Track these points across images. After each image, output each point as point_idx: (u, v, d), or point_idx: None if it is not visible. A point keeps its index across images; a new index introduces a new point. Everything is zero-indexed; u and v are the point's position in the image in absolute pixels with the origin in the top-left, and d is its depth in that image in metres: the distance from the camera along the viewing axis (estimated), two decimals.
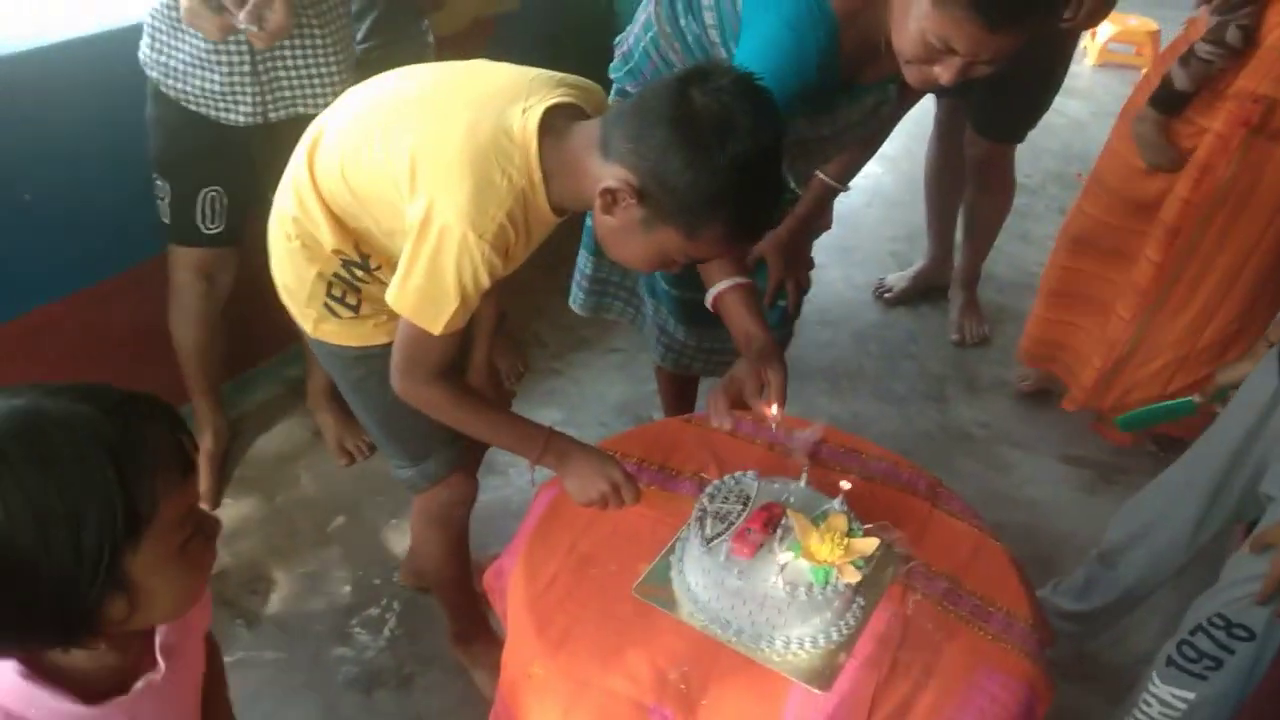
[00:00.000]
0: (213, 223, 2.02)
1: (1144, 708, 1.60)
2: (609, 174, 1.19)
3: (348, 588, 2.09)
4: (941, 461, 2.52)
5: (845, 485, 1.32)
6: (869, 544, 1.26)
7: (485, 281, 1.24)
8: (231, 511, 2.24)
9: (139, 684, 0.90)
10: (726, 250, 1.25)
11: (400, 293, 1.26)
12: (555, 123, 1.23)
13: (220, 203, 2.00)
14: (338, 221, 1.35)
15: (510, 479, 2.26)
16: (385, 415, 1.53)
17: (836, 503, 1.31)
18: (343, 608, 2.04)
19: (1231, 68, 2.04)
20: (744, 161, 1.14)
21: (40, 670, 0.83)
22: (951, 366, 2.94)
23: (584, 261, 2.02)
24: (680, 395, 2.29)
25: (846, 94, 1.60)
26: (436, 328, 1.27)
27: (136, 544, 0.79)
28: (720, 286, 1.52)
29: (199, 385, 2.23)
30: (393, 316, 1.35)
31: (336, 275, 1.40)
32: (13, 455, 0.74)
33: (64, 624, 0.79)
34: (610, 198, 1.19)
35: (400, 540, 2.19)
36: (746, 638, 1.23)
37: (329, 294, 1.41)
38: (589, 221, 1.84)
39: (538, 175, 1.23)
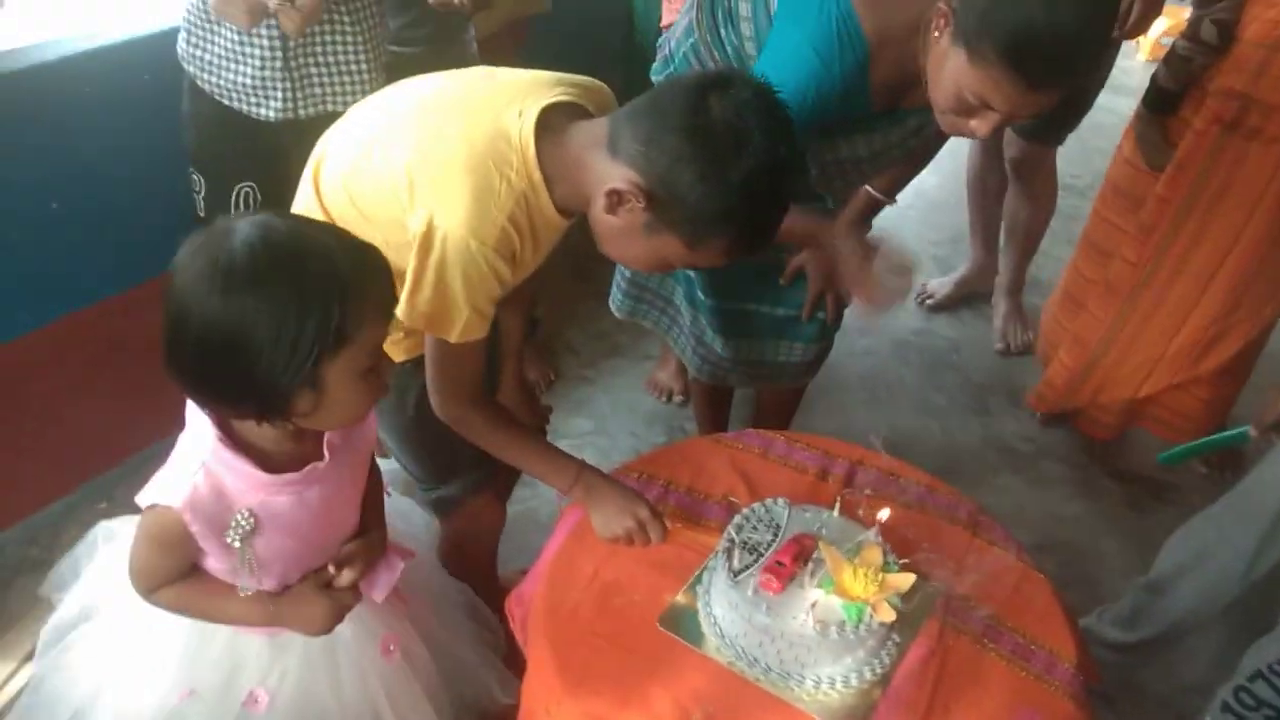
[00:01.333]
0: None
1: None
2: (617, 174, 1.15)
3: None
4: (984, 477, 2.44)
5: (882, 516, 1.26)
6: (905, 580, 1.20)
7: (494, 289, 1.21)
8: None
9: (308, 467, 1.12)
10: (725, 261, 1.22)
11: (410, 307, 1.22)
12: (554, 122, 1.20)
13: (254, 199, 1.98)
14: None
15: (538, 490, 2.21)
16: (406, 433, 1.50)
17: (871, 534, 1.25)
18: None
19: (1212, 64, 1.95)
20: (755, 179, 1.11)
21: (234, 440, 1.08)
22: (995, 376, 2.85)
23: None
24: (715, 407, 2.24)
25: (888, 117, 1.55)
26: (452, 336, 1.24)
27: (336, 354, 0.99)
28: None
29: None
30: (410, 333, 1.32)
31: None
32: (274, 260, 0.97)
33: (266, 399, 1.00)
34: (616, 198, 1.16)
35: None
36: (775, 676, 1.18)
37: None
38: None
39: (538, 176, 1.19)
